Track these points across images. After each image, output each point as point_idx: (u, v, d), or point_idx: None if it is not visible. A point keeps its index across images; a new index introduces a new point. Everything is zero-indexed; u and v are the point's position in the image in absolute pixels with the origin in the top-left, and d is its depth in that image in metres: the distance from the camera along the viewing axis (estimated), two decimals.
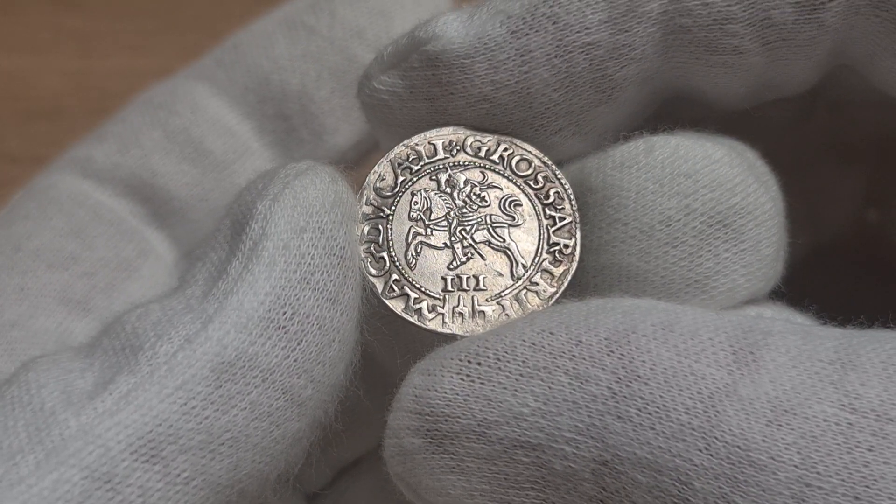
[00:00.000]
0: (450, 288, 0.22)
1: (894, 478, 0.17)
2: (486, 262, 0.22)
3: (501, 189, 0.22)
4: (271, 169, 0.21)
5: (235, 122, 0.29)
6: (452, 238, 0.22)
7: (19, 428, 0.18)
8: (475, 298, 0.22)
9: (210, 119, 0.28)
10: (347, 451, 0.26)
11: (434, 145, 0.22)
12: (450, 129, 0.22)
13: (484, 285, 0.22)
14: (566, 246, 0.22)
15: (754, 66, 0.22)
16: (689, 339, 0.19)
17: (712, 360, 0.19)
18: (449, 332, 0.22)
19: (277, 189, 0.20)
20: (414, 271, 0.22)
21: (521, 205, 0.22)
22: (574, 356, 0.19)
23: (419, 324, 0.22)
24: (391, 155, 0.22)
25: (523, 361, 0.19)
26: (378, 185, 0.22)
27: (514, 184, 0.22)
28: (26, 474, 0.17)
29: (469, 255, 0.22)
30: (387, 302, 0.22)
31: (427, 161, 0.22)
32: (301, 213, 0.20)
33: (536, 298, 0.22)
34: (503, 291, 0.22)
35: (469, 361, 0.20)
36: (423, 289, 0.22)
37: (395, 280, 0.22)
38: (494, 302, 0.22)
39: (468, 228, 0.22)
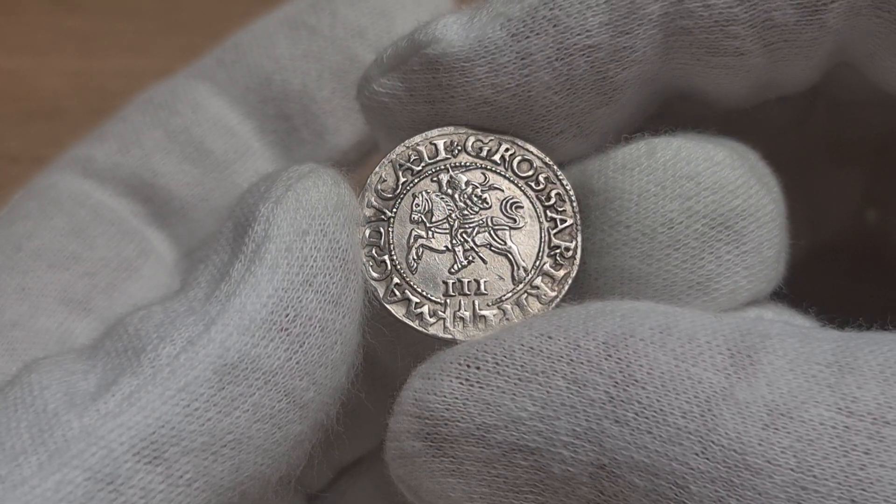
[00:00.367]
0: (451, 292, 0.22)
1: (890, 481, 0.17)
2: (487, 265, 0.22)
3: (503, 191, 0.22)
4: (274, 171, 0.21)
5: (236, 121, 0.29)
6: (453, 241, 0.22)
7: (22, 429, 0.18)
8: (476, 303, 0.22)
9: (211, 119, 0.28)
10: (348, 452, 0.26)
11: (435, 145, 0.22)
12: (451, 129, 0.22)
13: (485, 289, 0.22)
14: (567, 249, 0.22)
15: (755, 67, 0.22)
16: (687, 342, 0.19)
17: (709, 364, 0.19)
18: (450, 337, 0.22)
19: (280, 191, 0.20)
20: (415, 275, 0.22)
21: (522, 207, 0.22)
22: (572, 360, 0.19)
23: (420, 329, 0.22)
24: (392, 155, 0.22)
25: (522, 366, 0.20)
26: (379, 186, 0.22)
27: (516, 185, 0.22)
28: (29, 475, 0.17)
29: (470, 258, 0.22)
30: (388, 307, 0.22)
31: (428, 162, 0.22)
32: (304, 215, 0.20)
33: (537, 303, 0.22)
34: (504, 295, 0.22)
35: (468, 366, 0.20)
36: (424, 293, 0.22)
37: (397, 284, 0.22)
38: (495, 306, 0.22)
39: (469, 231, 0.22)
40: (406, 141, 0.22)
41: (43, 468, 0.17)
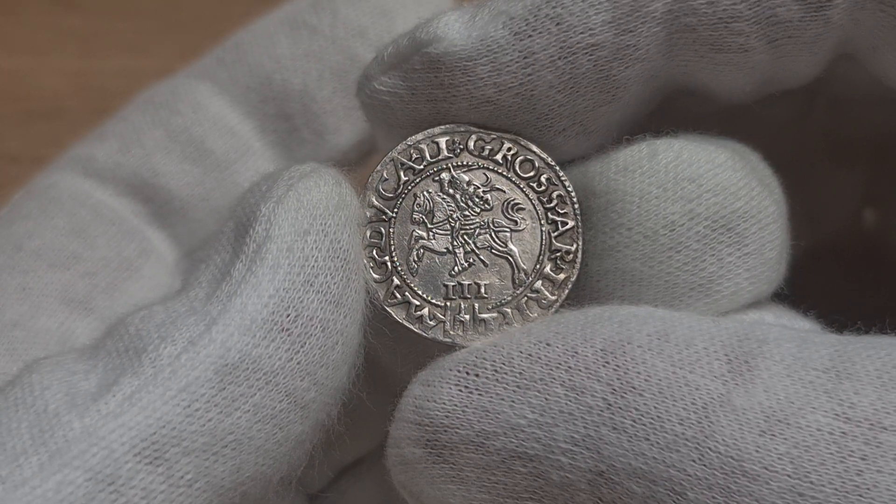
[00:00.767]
0: (451, 295, 0.22)
1: (887, 486, 0.17)
2: (488, 268, 0.22)
3: (504, 192, 0.22)
4: (275, 171, 0.21)
5: (237, 121, 0.29)
6: (454, 243, 0.22)
7: (23, 429, 0.18)
8: (476, 306, 0.22)
9: (211, 118, 0.28)
10: (349, 452, 0.27)
11: (437, 144, 0.22)
12: (452, 126, 0.22)
13: (485, 293, 0.22)
14: (568, 252, 0.22)
15: (759, 63, 0.22)
16: (685, 348, 0.19)
17: (707, 371, 0.19)
18: (450, 341, 0.22)
19: (281, 191, 0.20)
20: (416, 277, 0.22)
21: (523, 209, 0.22)
22: (570, 368, 0.19)
23: (420, 332, 0.22)
24: (394, 154, 0.22)
25: (520, 373, 0.20)
26: (380, 186, 0.22)
27: (517, 186, 0.22)
28: (30, 476, 0.17)
29: (471, 260, 0.22)
30: (388, 309, 0.22)
31: (430, 161, 0.22)
32: (305, 215, 0.20)
33: (537, 307, 0.22)
34: (504, 299, 0.22)
35: (467, 373, 0.20)
36: (424, 296, 0.22)
37: (397, 286, 0.22)
38: (495, 310, 0.22)
39: (470, 233, 0.22)
40: (408, 139, 0.22)
41: (44, 469, 0.17)
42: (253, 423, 0.19)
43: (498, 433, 0.20)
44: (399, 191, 0.22)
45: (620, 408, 0.19)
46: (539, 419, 0.19)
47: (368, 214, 0.22)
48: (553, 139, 0.22)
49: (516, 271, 0.22)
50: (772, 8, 0.21)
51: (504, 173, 0.22)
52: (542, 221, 0.22)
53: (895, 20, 0.21)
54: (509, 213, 0.22)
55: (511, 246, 0.22)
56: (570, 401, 0.19)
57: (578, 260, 0.22)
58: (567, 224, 0.22)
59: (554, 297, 0.22)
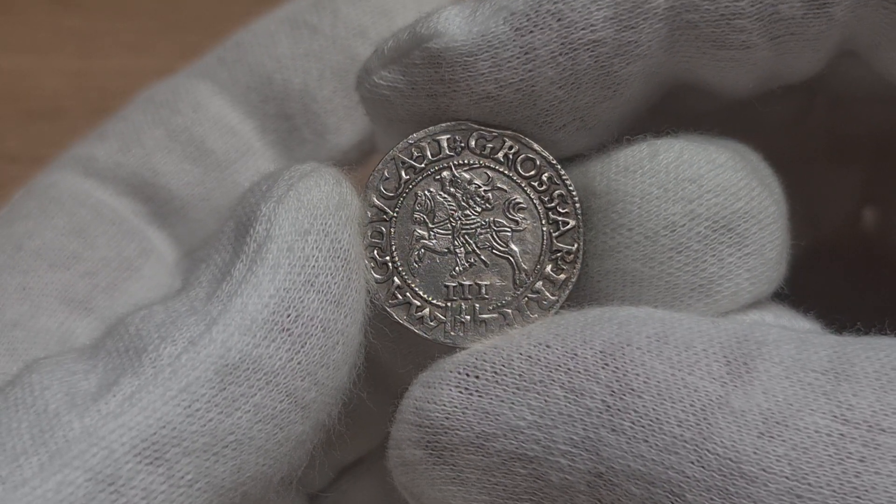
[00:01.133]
0: (452, 296, 0.22)
1: (885, 488, 0.17)
2: (489, 268, 0.22)
3: (505, 191, 0.22)
4: (275, 170, 0.21)
5: (237, 121, 0.29)
6: (455, 243, 0.22)
7: (23, 430, 0.18)
8: (477, 307, 0.22)
9: (212, 118, 0.28)
10: (349, 452, 0.26)
11: (438, 142, 0.22)
12: (453, 124, 0.22)
13: (486, 293, 0.22)
14: (569, 253, 0.22)
15: (761, 60, 0.22)
16: (684, 350, 0.19)
17: (705, 373, 0.19)
18: (451, 342, 0.22)
19: (282, 191, 0.20)
20: (416, 278, 0.22)
21: (524, 209, 0.22)
22: (569, 370, 0.19)
23: (421, 333, 0.22)
24: (395, 152, 0.22)
25: (520, 375, 0.20)
26: (381, 185, 0.22)
27: (519, 185, 0.22)
28: (30, 476, 0.17)
29: (471, 261, 0.22)
30: (389, 310, 0.22)
31: (431, 160, 0.22)
32: (305, 215, 0.20)
33: (538, 307, 0.22)
34: (505, 300, 0.22)
35: (467, 375, 0.20)
36: (425, 296, 0.22)
37: (398, 287, 0.22)
38: (496, 311, 0.22)
39: (471, 233, 0.22)
40: (409, 136, 0.22)
41: (44, 469, 0.17)
42: (253, 423, 0.19)
43: (498, 435, 0.20)
44: (400, 190, 0.22)
45: (619, 410, 0.19)
46: (538, 421, 0.19)
47: (369, 214, 0.22)
48: (553, 135, 0.22)
49: (517, 272, 0.22)
50: (774, 5, 0.21)
51: (505, 172, 0.22)
52: (543, 221, 0.22)
53: None
54: (510, 213, 0.22)
55: (512, 246, 0.22)
56: (569, 403, 0.19)
57: (579, 260, 0.22)
58: (568, 224, 0.22)
59: (554, 298, 0.22)
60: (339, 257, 0.20)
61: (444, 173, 0.22)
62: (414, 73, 0.22)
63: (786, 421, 0.18)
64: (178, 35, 0.44)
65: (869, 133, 0.30)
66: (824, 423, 0.18)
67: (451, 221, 0.22)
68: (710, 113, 0.25)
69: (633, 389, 0.19)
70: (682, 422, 0.18)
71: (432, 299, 0.22)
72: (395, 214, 0.22)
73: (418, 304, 0.22)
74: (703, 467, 0.18)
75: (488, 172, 0.22)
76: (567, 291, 0.22)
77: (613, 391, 0.19)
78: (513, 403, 0.20)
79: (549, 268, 0.22)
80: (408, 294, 0.22)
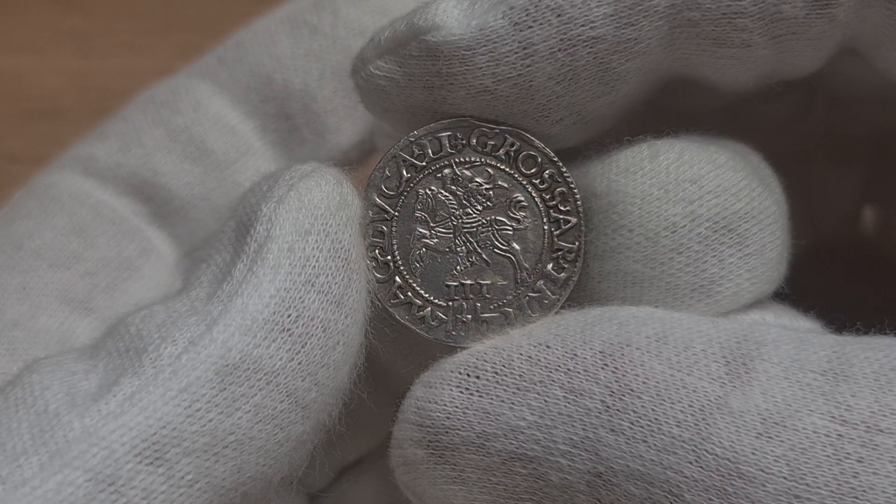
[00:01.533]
0: (453, 296, 0.22)
1: (883, 489, 0.17)
2: (490, 267, 0.22)
3: (506, 190, 0.22)
4: (276, 171, 0.21)
5: (237, 120, 0.29)
6: (456, 242, 0.22)
7: (23, 430, 0.18)
8: (478, 306, 0.22)
9: (212, 118, 0.28)
10: (350, 452, 0.26)
11: (439, 140, 0.22)
12: (454, 121, 0.22)
13: (487, 293, 0.22)
14: (570, 251, 0.22)
15: (761, 58, 0.22)
16: (683, 351, 0.19)
17: (704, 373, 0.19)
18: (452, 342, 0.22)
19: (282, 191, 0.20)
20: (418, 277, 0.22)
21: (525, 207, 0.22)
22: (569, 370, 0.20)
23: (422, 333, 0.22)
24: (396, 150, 0.22)
25: (520, 375, 0.20)
26: (382, 183, 0.22)
27: (520, 183, 0.22)
28: (30, 476, 0.17)
29: (472, 260, 0.22)
30: (390, 310, 0.22)
31: (432, 158, 0.22)
32: (306, 215, 0.20)
33: (539, 306, 0.22)
34: (506, 299, 0.22)
35: (468, 375, 0.20)
36: (426, 296, 0.22)
37: (399, 286, 0.22)
38: (498, 310, 0.22)
39: (472, 232, 0.22)
40: (410, 134, 0.22)
41: (44, 469, 0.17)
42: (254, 423, 0.19)
43: (498, 435, 0.20)
44: (401, 188, 0.22)
45: (618, 410, 0.19)
46: (538, 421, 0.19)
47: (370, 213, 0.22)
48: (550, 129, 0.22)
49: (518, 271, 0.22)
50: (777, 5, 0.21)
51: (507, 170, 0.22)
52: (545, 219, 0.22)
53: None
54: (511, 212, 0.22)
55: (513, 245, 0.22)
56: (568, 403, 0.19)
57: (580, 259, 0.22)
58: (570, 222, 0.22)
59: (556, 297, 0.22)
60: (339, 257, 0.20)
61: (446, 171, 0.22)
62: (410, 65, 0.21)
63: (784, 421, 0.18)
64: (178, 35, 0.44)
65: (869, 133, 0.30)
66: (822, 424, 0.18)
67: (452, 220, 0.22)
68: (710, 112, 0.25)
69: (632, 390, 0.19)
70: (680, 422, 0.18)
71: (434, 299, 0.22)
72: (396, 213, 0.22)
73: (419, 303, 0.22)
74: (701, 467, 0.18)
75: (489, 170, 0.22)
76: (568, 290, 0.22)
77: (612, 392, 0.19)
78: (513, 404, 0.20)
79: (550, 266, 0.22)
80: (409, 294, 0.22)
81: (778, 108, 0.27)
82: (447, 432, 0.20)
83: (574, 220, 0.22)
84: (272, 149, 0.29)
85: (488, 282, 0.22)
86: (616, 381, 0.19)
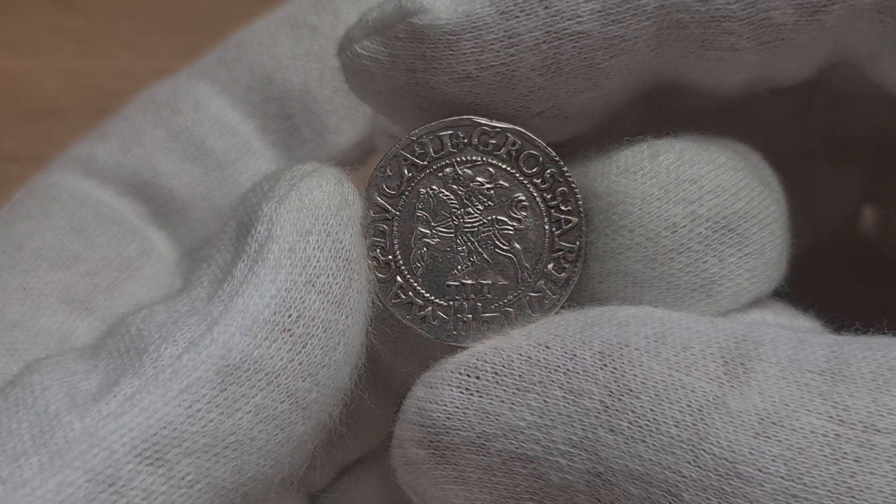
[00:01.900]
0: (454, 295, 0.22)
1: (880, 488, 0.17)
2: (491, 267, 0.22)
3: (508, 189, 0.22)
4: (277, 171, 0.21)
5: (238, 120, 0.29)
6: (457, 241, 0.22)
7: (23, 430, 0.18)
8: (479, 306, 0.22)
9: (212, 118, 0.28)
10: (350, 452, 0.26)
11: (440, 139, 0.22)
12: (455, 119, 0.22)
13: (488, 292, 0.22)
14: (571, 251, 0.22)
15: (749, 63, 0.22)
16: (681, 351, 0.19)
17: (703, 373, 0.19)
18: (453, 341, 0.22)
19: (283, 191, 0.20)
20: (419, 276, 0.22)
21: (527, 206, 0.22)
22: (568, 371, 0.20)
23: (423, 333, 0.22)
24: (396, 150, 0.22)
25: (520, 376, 0.20)
26: (384, 183, 0.22)
27: (521, 183, 0.22)
28: (30, 477, 0.17)
29: (473, 260, 0.22)
30: (391, 309, 0.22)
31: (433, 157, 0.22)
32: (307, 215, 0.20)
33: (539, 306, 0.22)
34: (507, 299, 0.22)
35: (468, 375, 0.20)
36: (427, 295, 0.22)
37: (401, 286, 0.22)
38: (498, 310, 0.22)
39: (473, 231, 0.22)
40: (411, 133, 0.22)
41: (44, 469, 0.17)
42: (254, 423, 0.19)
43: (498, 435, 0.20)
44: (403, 188, 0.22)
45: (617, 410, 0.19)
46: (538, 421, 0.20)
47: (371, 212, 0.22)
48: (529, 120, 0.22)
49: (519, 270, 0.22)
50: (766, 10, 0.21)
51: (508, 169, 0.22)
52: (546, 219, 0.22)
53: (894, 30, 0.21)
54: (513, 211, 0.22)
55: (514, 245, 0.22)
56: (568, 403, 0.19)
57: (581, 259, 0.22)
58: (571, 221, 0.22)
59: (556, 297, 0.22)
60: (340, 258, 0.20)
61: (447, 170, 0.22)
62: (396, 47, 0.21)
63: (782, 421, 0.18)
64: (178, 35, 0.44)
65: (869, 133, 0.30)
66: (820, 424, 0.18)
67: (453, 220, 0.22)
68: (710, 112, 0.25)
69: (630, 390, 0.19)
70: (678, 422, 0.19)
71: (435, 298, 0.22)
72: (397, 213, 0.22)
73: (421, 303, 0.22)
74: (699, 467, 0.18)
75: (491, 169, 0.22)
76: (569, 290, 0.22)
77: (611, 392, 0.19)
78: (513, 404, 0.20)
79: (550, 266, 0.22)
80: (410, 293, 0.22)
81: (777, 108, 0.27)
82: (448, 432, 0.20)
83: (575, 219, 0.22)
84: (272, 149, 0.29)
85: (489, 281, 0.22)
86: (615, 382, 0.19)
